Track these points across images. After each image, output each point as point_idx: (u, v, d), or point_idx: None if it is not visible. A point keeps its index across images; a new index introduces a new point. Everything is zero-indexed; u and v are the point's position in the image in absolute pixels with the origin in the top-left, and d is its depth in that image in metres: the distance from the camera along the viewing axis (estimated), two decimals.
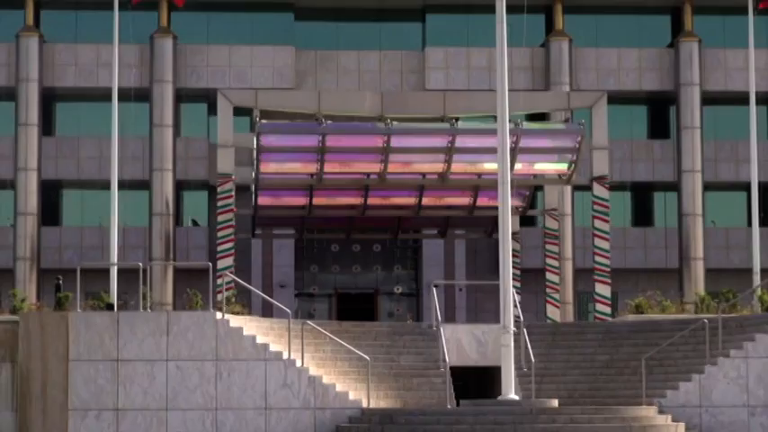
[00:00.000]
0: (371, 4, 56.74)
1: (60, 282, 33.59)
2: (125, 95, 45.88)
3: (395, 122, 44.91)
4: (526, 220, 52.29)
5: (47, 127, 55.70)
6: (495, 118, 32.71)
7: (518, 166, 41.97)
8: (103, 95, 44.01)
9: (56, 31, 55.66)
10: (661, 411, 30.28)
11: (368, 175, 45.29)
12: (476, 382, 33.05)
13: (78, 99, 54.66)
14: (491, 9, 32.54)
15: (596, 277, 47.69)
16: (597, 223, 48.56)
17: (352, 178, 45.76)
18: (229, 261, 45.23)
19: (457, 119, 45.33)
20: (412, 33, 57.26)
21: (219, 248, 46.55)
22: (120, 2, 43.20)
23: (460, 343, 35.12)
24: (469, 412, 30.26)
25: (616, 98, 52.27)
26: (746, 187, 45.91)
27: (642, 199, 57.77)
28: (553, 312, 48.58)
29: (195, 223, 56.29)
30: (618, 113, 52.09)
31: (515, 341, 31.02)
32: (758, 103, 46.08)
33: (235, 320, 31.28)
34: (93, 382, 29.76)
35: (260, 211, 47.23)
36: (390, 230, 50.29)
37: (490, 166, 39.83)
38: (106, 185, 42.29)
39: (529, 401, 30.74)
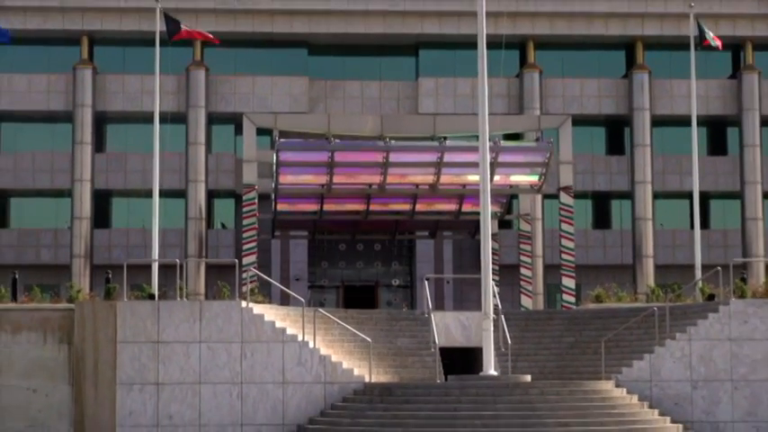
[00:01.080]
0: (373, 40, 56.69)
1: (109, 275, 33.52)
2: (165, 118, 45.71)
3: (392, 141, 44.83)
4: (503, 223, 52.22)
5: (99, 145, 55.62)
6: (477, 137, 32.59)
7: (497, 177, 41.88)
8: (146, 118, 43.88)
9: (106, 63, 55.62)
10: (618, 385, 30.38)
11: (370, 185, 45.24)
12: (461, 360, 32.99)
13: (125, 121, 54.61)
14: (474, 45, 32.58)
15: (563, 272, 47.57)
16: (563, 226, 48.51)
17: (357, 188, 45.70)
18: (253, 258, 45.11)
19: (445, 138, 45.22)
20: (407, 66, 57.16)
21: (244, 247, 46.44)
22: (161, 39, 43.23)
23: (448, 327, 35.03)
24: (455, 386, 30.37)
25: (579, 120, 52.18)
26: (689, 195, 45.78)
27: (601, 205, 57.65)
28: (526, 301, 48.45)
29: (223, 226, 56.17)
30: (580, 133, 51.99)
31: (494, 326, 31.07)
32: (699, 124, 46.04)
33: (257, 308, 31.23)
34: (137, 360, 29.71)
35: (278, 216, 47.17)
36: (389, 232, 50.23)
37: (473, 177, 39.72)
38: (149, 194, 42.14)
39: (506, 377, 30.83)
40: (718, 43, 45.15)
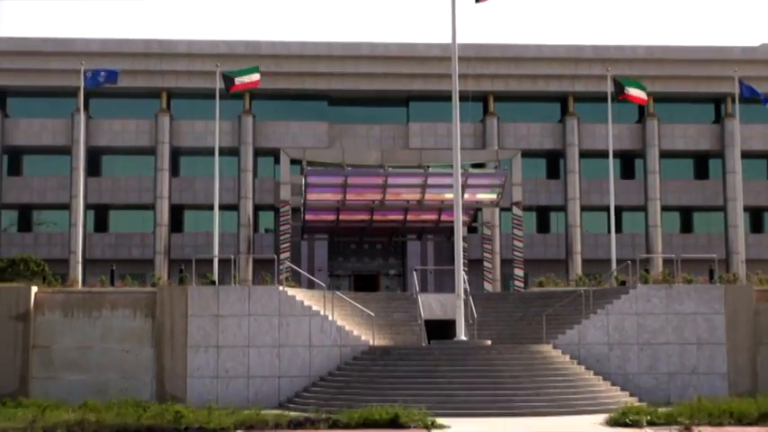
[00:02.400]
0: (375, 95, 56.83)
1: (182, 268, 33.61)
2: (223, 152, 46.02)
3: (390, 168, 45.18)
4: (471, 229, 52.31)
5: (174, 171, 55.69)
6: (452, 166, 32.70)
7: (466, 195, 42.01)
8: (209, 152, 43.97)
9: (180, 111, 55.75)
10: (555, 348, 30.59)
11: (373, 201, 45.44)
12: (439, 329, 33.08)
13: (193, 154, 54.65)
14: (449, 98, 32.76)
15: (514, 264, 47.89)
16: (515, 231, 48.90)
17: (363, 203, 45.81)
18: (287, 255, 45.34)
19: (428, 166, 45.54)
20: (400, 114, 57.21)
21: (281, 247, 46.71)
22: (221, 94, 43.46)
23: (430, 305, 35.24)
24: (436, 348, 30.67)
25: (526, 154, 52.23)
26: (607, 209, 45.88)
27: (542, 216, 57.66)
28: (488, 286, 48.57)
29: (266, 231, 56.22)
30: (527, 163, 52.05)
31: (464, 304, 31.20)
32: (614, 156, 46.28)
33: (290, 291, 31.43)
34: (202, 329, 29.91)
35: (306, 224, 47.31)
36: (387, 235, 50.35)
37: (449, 195, 39.86)
38: (211, 207, 42.32)
39: (473, 341, 31.01)
40: (640, 95, 44.30)
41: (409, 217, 47.30)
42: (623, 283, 34.71)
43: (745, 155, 54.78)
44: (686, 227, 58.55)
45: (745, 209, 54.26)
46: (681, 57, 56.35)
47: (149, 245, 54.48)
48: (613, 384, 29.43)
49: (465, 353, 29.26)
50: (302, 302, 30.66)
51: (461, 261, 31.61)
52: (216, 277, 34.85)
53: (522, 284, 46.29)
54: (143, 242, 55.06)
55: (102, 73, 41.96)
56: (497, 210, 51.13)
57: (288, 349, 29.90)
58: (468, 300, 32.02)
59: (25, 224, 56.88)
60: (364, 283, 48.93)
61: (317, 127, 55.75)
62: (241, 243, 53.42)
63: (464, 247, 33.07)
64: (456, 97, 32.04)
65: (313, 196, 44.80)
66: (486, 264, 49.73)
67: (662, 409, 24.80)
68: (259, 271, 41.90)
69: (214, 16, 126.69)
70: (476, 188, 45.35)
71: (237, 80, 42.98)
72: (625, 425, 22.91)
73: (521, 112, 57.11)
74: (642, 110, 56.62)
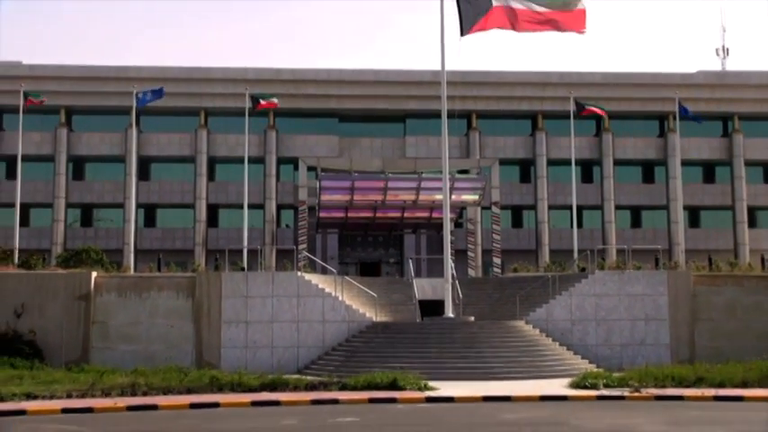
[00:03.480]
0: (377, 113, 56.68)
1: (217, 258, 33.67)
2: (251, 160, 46.14)
3: (390, 174, 45.09)
4: (457, 225, 52.04)
5: (210, 176, 55.69)
6: (441, 172, 32.66)
7: (453, 196, 41.91)
8: (240, 160, 44.02)
9: (216, 126, 55.81)
10: (527, 323, 30.51)
11: (375, 201, 45.28)
12: (431, 308, 33.02)
13: (227, 162, 54.63)
14: (439, 116, 32.66)
15: (493, 254, 47.82)
16: (494, 226, 48.85)
17: (368, 203, 45.67)
18: (304, 246, 45.29)
19: (422, 172, 45.39)
20: (398, 129, 57.19)
21: (299, 239, 46.63)
22: (250, 112, 43.44)
23: (423, 288, 35.18)
24: (428, 323, 30.56)
25: (503, 162, 52.38)
26: (570, 208, 45.95)
27: (517, 214, 57.64)
28: (471, 272, 48.55)
29: (287, 226, 56.16)
30: (504, 170, 52.14)
31: (452, 287, 31.13)
32: (576, 164, 46.50)
33: (307, 276, 31.38)
34: (234, 307, 29.90)
35: (320, 220, 47.21)
36: (387, 230, 50.22)
37: (439, 196, 39.77)
38: (241, 206, 42.37)
39: (458, 318, 30.94)
40: (599, 112, 45.09)
41: (406, 215, 47.19)
42: (583, 269, 34.65)
43: (684, 163, 55.05)
44: (635, 223, 58.43)
45: (685, 208, 55.09)
46: (631, 81, 56.29)
47: (190, 238, 54.44)
48: (575, 354, 29.35)
49: (452, 327, 29.22)
50: (317, 285, 30.60)
51: (449, 251, 31.56)
52: (245, 264, 34.81)
53: (499, 270, 46.21)
54: (184, 235, 54.99)
55: (149, 93, 42.21)
56: (479, 208, 51.07)
57: (305, 324, 29.87)
58: (454, 283, 31.94)
59: (87, 221, 56.81)
60: (368, 270, 48.84)
61: (330, 140, 55.66)
62: (266, 236, 53.34)
63: (451, 240, 33.04)
64: (445, 115, 31.99)
65: (326, 197, 44.72)
66: (469, 253, 49.66)
67: (616, 374, 24.89)
68: (281, 259, 41.78)
69: (243, 45, 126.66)
70: (461, 191, 45.22)
71: (262, 101, 43.33)
72: (585, 387, 22.90)
73: (498, 128, 57.04)
74: (599, 125, 56.67)
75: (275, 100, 43.95)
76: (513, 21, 28.68)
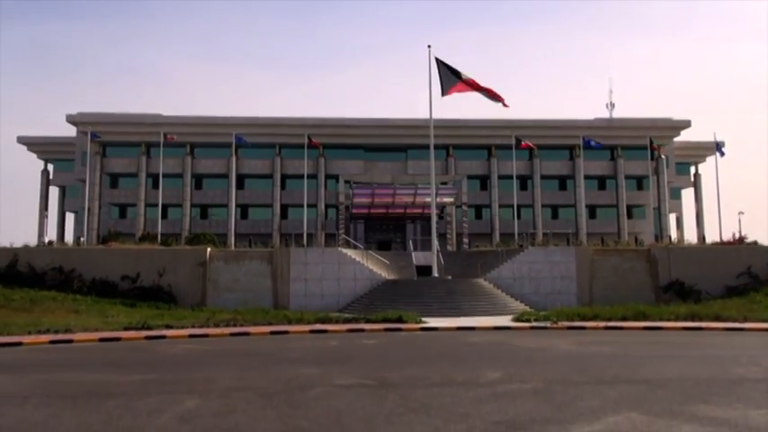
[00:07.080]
0: (389, 146, 56.15)
1: (287, 239, 33.63)
2: (309, 176, 45.78)
3: (397, 185, 44.84)
4: (440, 217, 51.57)
5: (283, 186, 55.30)
6: (429, 184, 32.45)
7: (437, 199, 41.75)
8: (301, 176, 43.76)
9: (286, 154, 55.34)
10: (485, 280, 30.21)
11: (388, 202, 45.07)
12: (423, 270, 32.95)
13: (293, 178, 54.35)
14: (428, 147, 32.40)
15: (463, 236, 47.52)
16: (463, 219, 48.47)
17: (383, 203, 45.46)
18: (342, 231, 45.20)
19: (417, 184, 45.12)
20: (402, 156, 56.80)
21: (339, 227, 46.54)
22: (307, 146, 43.30)
23: (418, 257, 35.02)
24: (421, 280, 30.30)
25: (470, 177, 52.08)
26: (513, 206, 45.37)
27: (478, 211, 57.00)
28: (449, 248, 48.01)
29: (331, 219, 55.98)
30: (470, 182, 51.87)
31: (436, 257, 30.97)
32: (516, 178, 45.77)
33: (344, 250, 31.21)
34: (297, 270, 29.80)
35: (353, 215, 46.95)
36: (395, 221, 49.97)
37: (428, 199, 39.63)
38: (302, 206, 42.29)
39: (441, 276, 30.70)
40: (531, 145, 45.26)
41: (407, 211, 46.93)
42: (521, 246, 34.46)
43: (586, 177, 54.61)
44: (554, 216, 57.62)
45: (586, 206, 54.58)
46: (552, 125, 55.55)
47: (269, 226, 54.14)
48: (516, 300, 29.13)
49: (437, 283, 29.12)
50: (350, 256, 30.54)
51: (435, 234, 31.52)
52: (305, 243, 34.84)
53: (467, 247, 45.93)
54: (266, 225, 54.53)
55: (242, 138, 42.40)
56: (454, 207, 50.76)
57: (343, 281, 29.84)
58: (438, 255, 31.88)
59: (203, 215, 56.65)
60: (383, 246, 48.45)
61: (358, 163, 55.28)
62: (318, 225, 53.06)
63: (436, 227, 32.91)
64: (432, 147, 31.81)
65: (356, 200, 44.65)
66: (447, 236, 49.26)
67: (542, 313, 24.75)
68: (328, 240, 41.88)
69: (302, 101, 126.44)
70: (442, 195, 44.97)
71: (314, 139, 43.21)
72: (522, 321, 22.74)
73: (466, 155, 56.55)
74: (531, 153, 56.22)
75: (317, 140, 43.43)
76: (471, 87, 29.56)
